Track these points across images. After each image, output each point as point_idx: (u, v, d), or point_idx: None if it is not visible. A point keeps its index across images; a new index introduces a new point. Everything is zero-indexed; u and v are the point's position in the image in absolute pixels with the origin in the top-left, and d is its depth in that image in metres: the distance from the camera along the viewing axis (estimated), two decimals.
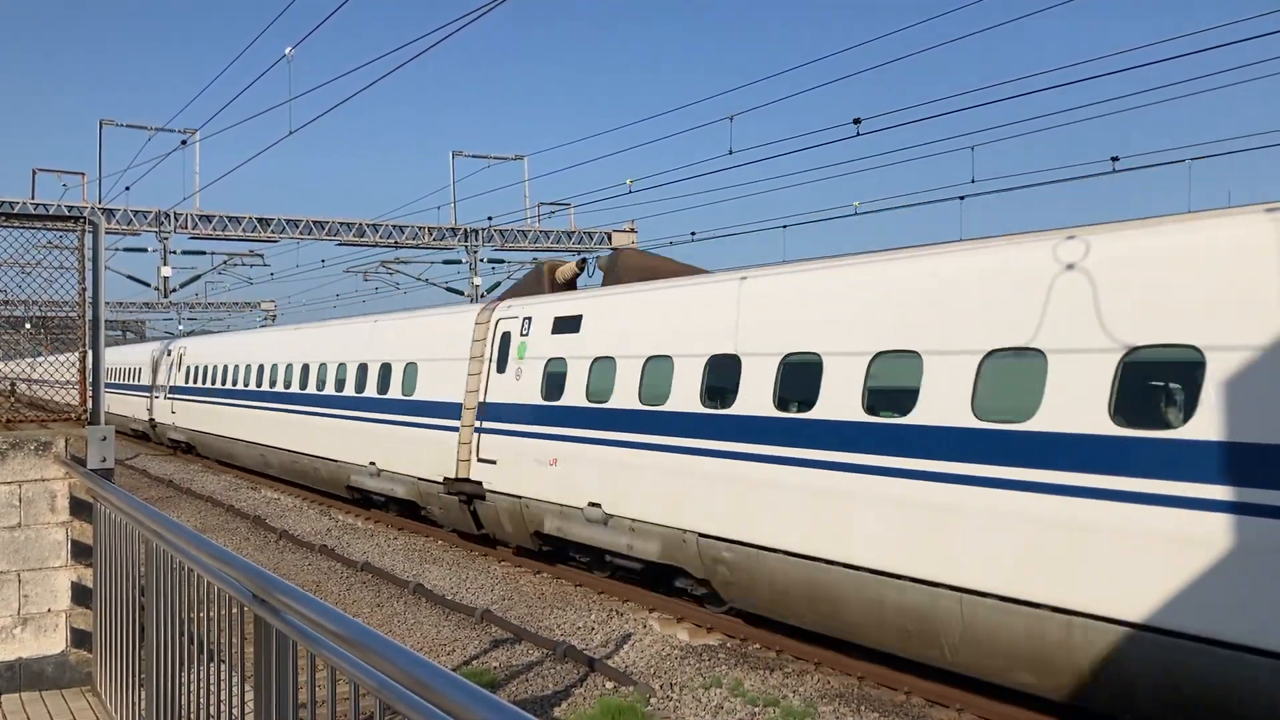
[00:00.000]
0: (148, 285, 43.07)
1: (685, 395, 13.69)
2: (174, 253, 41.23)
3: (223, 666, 3.74)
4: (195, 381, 37.70)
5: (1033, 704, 10.77)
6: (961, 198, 31.71)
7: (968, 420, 10.19)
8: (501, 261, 49.11)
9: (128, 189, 74.43)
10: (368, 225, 43.72)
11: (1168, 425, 8.74)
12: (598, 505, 15.31)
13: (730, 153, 30.48)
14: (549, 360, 16.76)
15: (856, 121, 26.24)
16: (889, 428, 11.04)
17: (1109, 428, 8.86)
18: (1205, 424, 8.25)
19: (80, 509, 6.77)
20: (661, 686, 12.21)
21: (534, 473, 16.74)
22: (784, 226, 38.64)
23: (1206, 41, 19.58)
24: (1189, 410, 8.51)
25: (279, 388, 28.48)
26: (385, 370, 22.39)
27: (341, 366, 24.52)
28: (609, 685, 12.23)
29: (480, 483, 18.33)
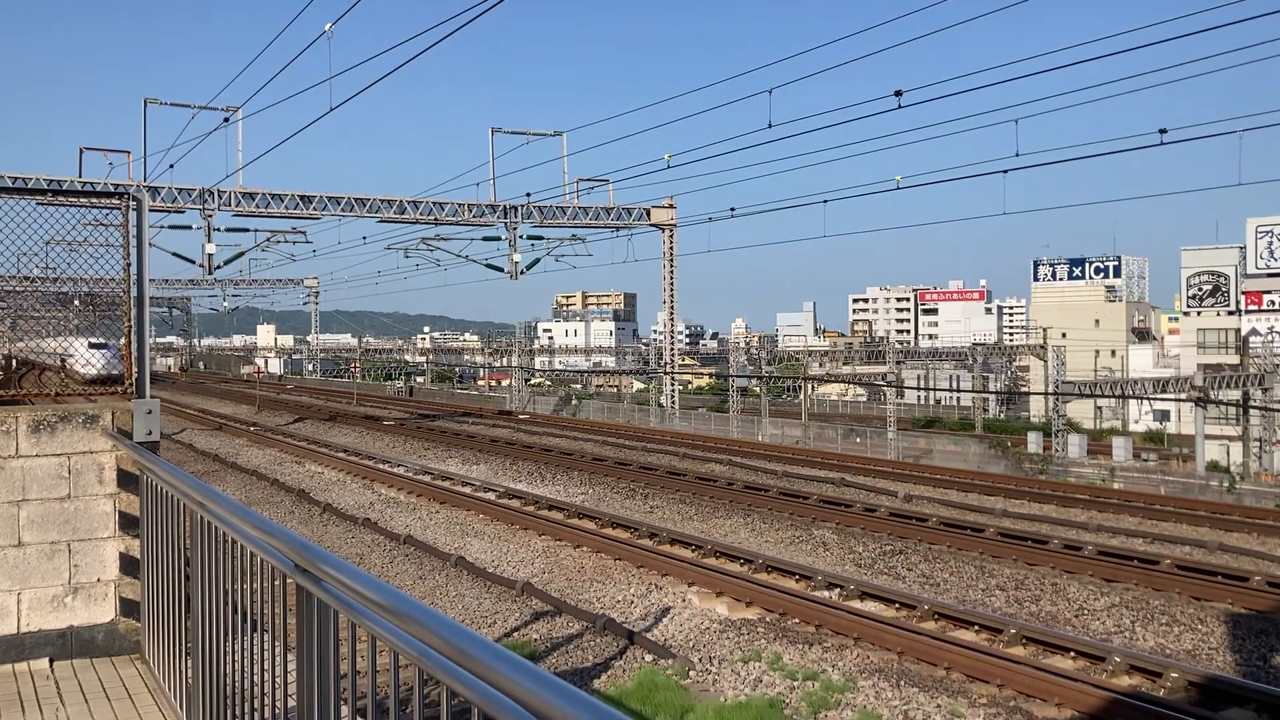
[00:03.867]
0: (192, 262, 43.60)
1: None
2: (218, 230, 41.69)
3: (266, 636, 3.78)
4: None
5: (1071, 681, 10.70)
6: (1005, 171, 31.28)
7: None
8: (540, 238, 49.14)
9: (172, 167, 75.14)
10: (408, 202, 43.88)
11: None
12: None
13: (769, 126, 30.25)
14: None
15: (898, 94, 25.95)
16: None
17: None
18: None
19: (127, 481, 6.86)
20: (700, 660, 12.24)
21: None
22: (824, 201, 38.20)
23: (1257, 9, 19.10)
24: None
25: None
26: None
27: None
28: (648, 658, 12.28)
29: None
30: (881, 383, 61.66)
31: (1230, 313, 76.33)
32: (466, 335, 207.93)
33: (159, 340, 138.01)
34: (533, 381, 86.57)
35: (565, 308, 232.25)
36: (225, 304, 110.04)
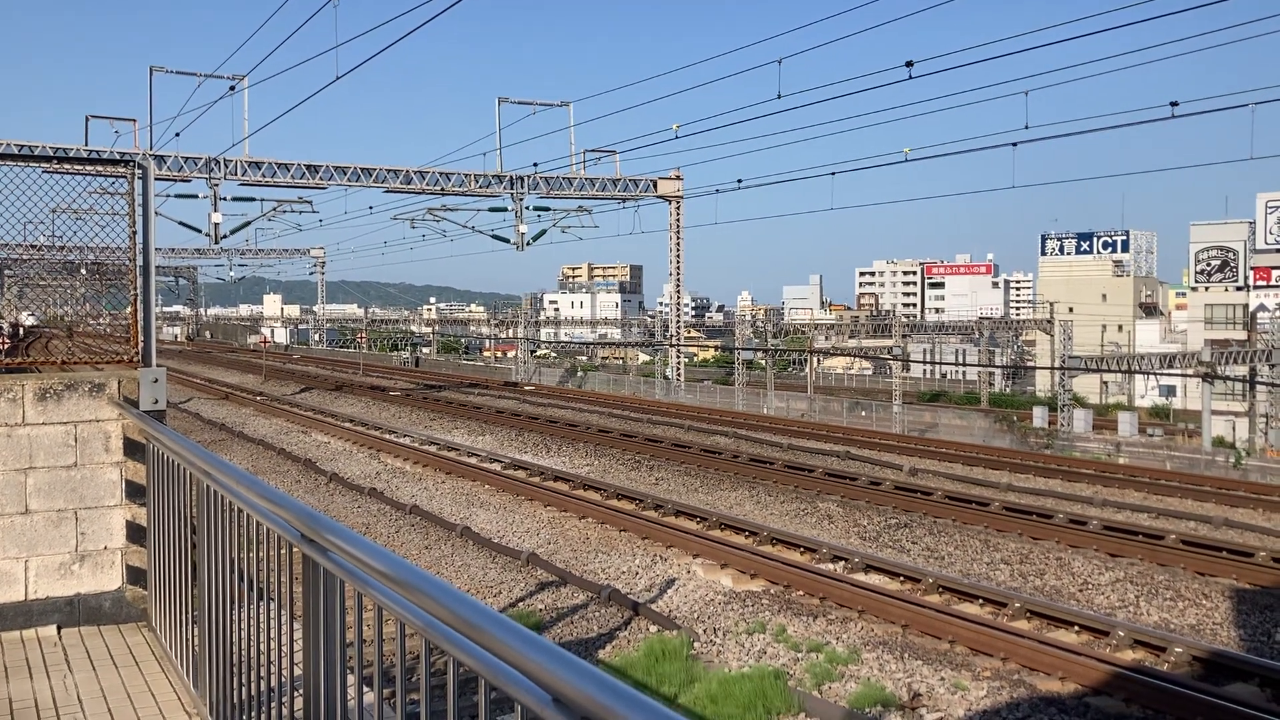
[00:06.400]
0: (199, 231, 43.52)
1: None
2: (224, 199, 41.56)
3: (272, 605, 3.79)
4: None
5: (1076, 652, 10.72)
6: (1014, 144, 31.11)
7: None
8: (547, 209, 48.95)
9: (178, 135, 74.91)
10: (414, 172, 43.73)
11: None
12: None
13: (779, 97, 30.07)
14: None
15: (909, 65, 25.74)
16: None
17: None
18: None
19: (133, 450, 6.86)
20: (705, 631, 12.28)
21: None
22: (833, 173, 38.03)
23: None
24: None
25: None
26: None
27: None
28: (653, 629, 12.32)
29: None
30: (887, 356, 61.57)
31: (1238, 288, 76.05)
32: (472, 306, 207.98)
33: (165, 309, 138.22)
34: (538, 353, 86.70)
35: (571, 279, 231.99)
36: (232, 273, 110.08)
